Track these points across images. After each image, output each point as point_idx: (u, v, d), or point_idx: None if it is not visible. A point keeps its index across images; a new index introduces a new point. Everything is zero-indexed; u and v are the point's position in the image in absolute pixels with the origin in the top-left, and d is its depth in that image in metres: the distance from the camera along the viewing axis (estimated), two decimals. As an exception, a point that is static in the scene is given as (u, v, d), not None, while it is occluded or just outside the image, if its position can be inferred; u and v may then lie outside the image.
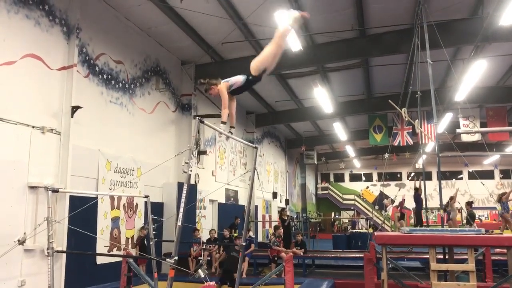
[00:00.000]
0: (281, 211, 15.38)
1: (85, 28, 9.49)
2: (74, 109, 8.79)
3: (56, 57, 8.72)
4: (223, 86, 5.40)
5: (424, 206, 14.82)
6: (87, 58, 9.64)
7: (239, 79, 5.50)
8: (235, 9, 10.96)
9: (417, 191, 14.79)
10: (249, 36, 12.43)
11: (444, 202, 10.27)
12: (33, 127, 8.03)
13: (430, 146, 22.25)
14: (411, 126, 18.52)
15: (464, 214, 19.48)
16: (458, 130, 16.57)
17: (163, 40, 12.50)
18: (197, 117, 5.52)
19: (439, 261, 7.95)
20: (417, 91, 10.90)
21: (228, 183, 17.30)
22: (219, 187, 15.32)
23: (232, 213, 16.82)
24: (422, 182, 14.26)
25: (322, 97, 15.72)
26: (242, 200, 18.98)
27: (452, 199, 14.99)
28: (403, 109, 10.42)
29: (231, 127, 5.74)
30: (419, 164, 28.30)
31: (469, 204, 16.12)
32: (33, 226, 7.17)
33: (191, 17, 11.26)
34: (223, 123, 5.37)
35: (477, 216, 24.64)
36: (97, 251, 9.32)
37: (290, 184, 29.55)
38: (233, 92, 5.54)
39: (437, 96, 10.03)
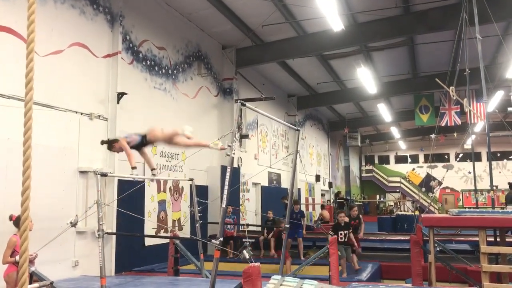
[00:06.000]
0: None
1: (128, 16, 9.65)
2: (120, 95, 9.03)
3: (101, 45, 8.94)
4: (123, 141, 6.11)
5: None
6: (131, 45, 9.83)
7: (135, 138, 6.20)
8: (275, -9, 10.85)
9: None
10: (290, 18, 12.28)
11: (494, 183, 9.82)
12: (81, 113, 8.31)
13: (479, 125, 21.43)
14: (459, 106, 17.80)
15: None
16: (510, 109, 15.86)
17: (203, 25, 12.54)
18: (239, 101, 5.55)
19: (489, 243, 7.70)
20: (465, 69, 10.47)
21: (271, 166, 17.35)
22: (262, 170, 15.38)
23: (275, 196, 16.88)
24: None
25: (365, 77, 15.39)
26: (285, 183, 18.99)
27: None
28: (451, 87, 10.03)
29: (152, 169, 6.66)
30: (468, 144, 27.38)
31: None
32: (84, 209, 7.45)
33: (231, 0, 11.23)
34: (134, 168, 6.21)
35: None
36: (145, 233, 9.60)
37: (334, 167, 29.29)
38: (131, 147, 6.18)
39: (487, 74, 9.60)
